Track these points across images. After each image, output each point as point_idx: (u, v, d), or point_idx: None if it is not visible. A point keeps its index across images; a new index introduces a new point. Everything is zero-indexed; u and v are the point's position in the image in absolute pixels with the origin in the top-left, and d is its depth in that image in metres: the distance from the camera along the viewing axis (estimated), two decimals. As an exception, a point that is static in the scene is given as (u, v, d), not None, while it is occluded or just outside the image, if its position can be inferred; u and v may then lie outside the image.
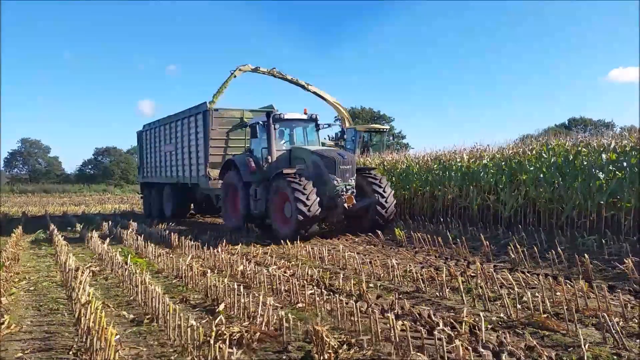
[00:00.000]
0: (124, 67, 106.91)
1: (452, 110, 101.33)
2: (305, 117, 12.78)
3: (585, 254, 6.81)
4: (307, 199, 10.29)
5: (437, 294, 5.95)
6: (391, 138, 19.44)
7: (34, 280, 7.73)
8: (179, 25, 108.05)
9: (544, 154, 11.59)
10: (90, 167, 75.41)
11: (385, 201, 11.46)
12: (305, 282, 6.48)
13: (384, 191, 11.53)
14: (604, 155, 10.16)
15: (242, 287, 5.55)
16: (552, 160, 11.21)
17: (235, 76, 17.54)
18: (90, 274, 7.37)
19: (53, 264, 9.21)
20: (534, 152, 12.09)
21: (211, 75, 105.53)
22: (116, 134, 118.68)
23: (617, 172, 9.85)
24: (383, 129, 20.19)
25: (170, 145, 17.72)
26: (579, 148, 11.14)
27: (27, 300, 6.49)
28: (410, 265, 7.29)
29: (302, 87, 18.20)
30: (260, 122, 12.30)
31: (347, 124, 23.50)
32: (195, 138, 15.67)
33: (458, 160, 13.90)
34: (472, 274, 6.74)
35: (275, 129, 12.23)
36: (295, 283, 6.00)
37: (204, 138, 15.10)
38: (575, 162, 10.72)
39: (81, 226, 14.59)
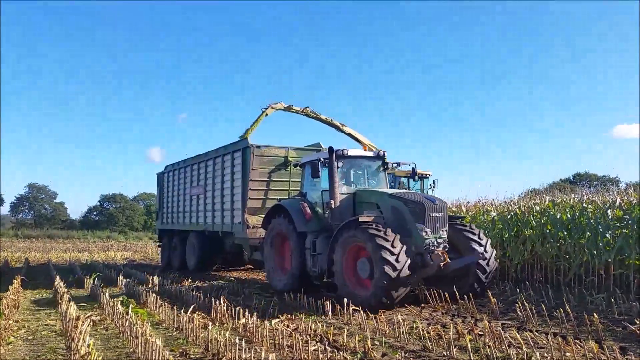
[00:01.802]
0: (134, 114, 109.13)
1: (456, 160, 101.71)
2: (371, 154, 10.88)
3: (594, 313, 6.68)
4: (397, 259, 8.04)
5: (445, 353, 5.80)
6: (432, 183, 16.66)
7: (32, 329, 7.63)
8: (192, 73, 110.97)
9: (549, 210, 11.59)
10: (95, 213, 75.63)
11: (487, 263, 9.13)
12: (308, 337, 6.35)
13: (485, 250, 9.18)
14: (609, 212, 10.15)
15: (243, 341, 5.45)
16: (558, 216, 11.19)
17: (266, 114, 16.15)
18: (91, 323, 7.27)
19: (53, 312, 9.10)
20: (537, 207, 12.10)
21: (221, 124, 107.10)
22: (123, 181, 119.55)
23: (623, 230, 9.80)
24: (426, 174, 17.95)
25: (198, 187, 16.03)
26: (585, 204, 11.15)
27: (24, 350, 6.38)
28: (417, 322, 7.16)
29: (337, 128, 16.50)
30: (322, 159, 10.16)
31: None
32: (230, 179, 13.84)
33: (465, 211, 13.90)
34: (479, 332, 6.59)
35: (338, 167, 10.09)
36: (298, 338, 5.88)
37: (242, 179, 13.22)
38: (581, 219, 10.70)
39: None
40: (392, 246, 8.12)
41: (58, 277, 12.48)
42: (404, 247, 8.24)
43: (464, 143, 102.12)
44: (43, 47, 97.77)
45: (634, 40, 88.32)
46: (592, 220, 10.38)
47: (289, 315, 8.06)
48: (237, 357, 5.23)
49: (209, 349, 5.98)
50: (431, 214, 8.90)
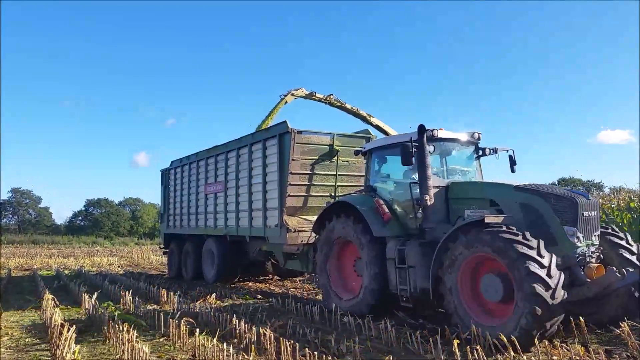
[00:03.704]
0: (122, 119, 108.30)
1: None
2: (465, 136, 8.49)
3: (580, 317, 6.71)
4: (549, 273, 5.76)
5: None
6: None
7: (16, 336, 7.50)
8: (183, 76, 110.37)
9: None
10: (80, 218, 74.81)
11: None
12: (297, 343, 6.32)
13: None
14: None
15: (231, 347, 5.41)
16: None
17: (286, 102, 14.52)
18: (76, 330, 7.16)
19: (38, 319, 8.95)
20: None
21: (211, 130, 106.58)
22: (108, 185, 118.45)
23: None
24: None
25: (216, 184, 13.76)
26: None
27: (7, 357, 6.27)
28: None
29: (363, 119, 14.77)
30: (411, 142, 7.59)
31: None
32: (262, 173, 11.56)
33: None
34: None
35: (430, 153, 7.76)
36: (286, 343, 5.84)
37: (279, 172, 10.91)
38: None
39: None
40: (540, 255, 5.87)
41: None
42: (554, 258, 5.98)
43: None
44: (26, 45, 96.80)
45: (620, 45, 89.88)
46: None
47: (278, 321, 8.02)
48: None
49: (196, 355, 5.93)
50: (584, 214, 6.65)
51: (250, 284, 13.85)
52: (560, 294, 5.71)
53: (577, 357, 5.20)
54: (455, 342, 5.46)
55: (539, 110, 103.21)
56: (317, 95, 15.04)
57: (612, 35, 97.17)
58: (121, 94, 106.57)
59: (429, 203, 7.47)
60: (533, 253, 5.84)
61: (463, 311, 6.48)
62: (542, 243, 6.01)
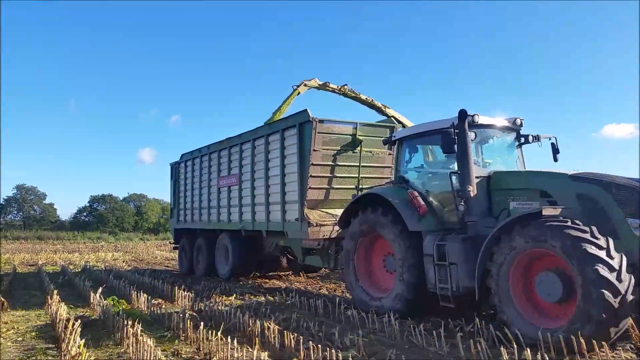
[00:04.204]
0: (126, 116, 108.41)
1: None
2: (505, 123, 7.93)
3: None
4: (619, 276, 5.26)
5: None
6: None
7: (22, 330, 7.56)
8: (185, 77, 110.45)
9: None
10: (85, 214, 75.13)
11: None
12: (301, 336, 6.35)
13: None
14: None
15: (235, 340, 5.44)
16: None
17: (299, 92, 14.05)
18: (81, 325, 7.21)
19: (43, 313, 9.02)
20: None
21: (215, 127, 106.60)
22: (113, 181, 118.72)
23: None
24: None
25: (229, 177, 13.42)
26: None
27: (14, 351, 6.32)
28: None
29: (379, 110, 14.27)
30: (453, 128, 7.06)
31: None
32: (280, 165, 11.10)
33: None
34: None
35: (472, 140, 7.24)
36: (290, 336, 5.87)
37: (299, 163, 10.44)
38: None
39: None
40: (609, 256, 5.34)
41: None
42: (624, 259, 5.42)
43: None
44: (32, 45, 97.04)
45: (625, 41, 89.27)
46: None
47: (281, 314, 8.05)
48: (228, 357, 5.22)
49: (201, 349, 5.97)
50: None
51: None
52: (629, 299, 5.22)
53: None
54: (459, 335, 5.47)
55: (544, 104, 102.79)
56: (331, 85, 14.50)
57: (617, 29, 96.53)
58: (122, 92, 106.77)
59: (472, 194, 6.90)
60: (602, 254, 5.30)
61: (517, 310, 5.96)
62: (611, 242, 5.47)
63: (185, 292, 9.97)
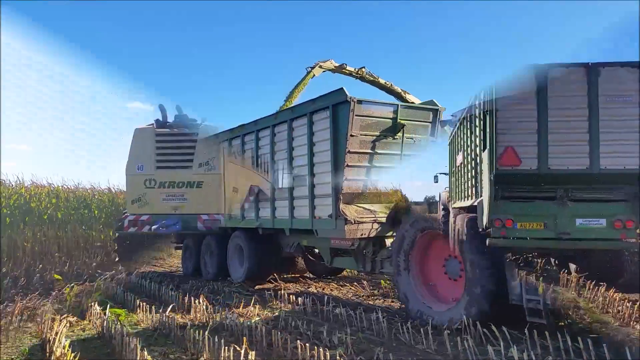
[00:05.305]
0: (127, 112, 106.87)
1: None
2: None
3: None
4: None
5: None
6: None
7: (4, 328, 7.45)
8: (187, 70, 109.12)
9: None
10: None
11: None
12: (288, 334, 6.35)
13: None
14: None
15: (222, 340, 5.41)
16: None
17: (313, 75, 13.01)
18: (67, 324, 7.14)
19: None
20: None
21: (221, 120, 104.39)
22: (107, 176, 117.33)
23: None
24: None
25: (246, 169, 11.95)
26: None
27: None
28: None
29: (397, 95, 13.32)
30: None
31: None
32: (307, 153, 9.59)
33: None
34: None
35: None
36: (278, 335, 5.86)
37: (332, 151, 8.97)
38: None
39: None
40: None
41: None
42: None
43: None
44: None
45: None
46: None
47: (269, 313, 8.03)
48: (216, 357, 5.20)
49: (188, 349, 5.94)
50: None
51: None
52: None
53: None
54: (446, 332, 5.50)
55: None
56: (348, 68, 13.46)
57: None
58: (122, 89, 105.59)
59: None
60: None
61: None
62: None
63: (173, 292, 9.90)
